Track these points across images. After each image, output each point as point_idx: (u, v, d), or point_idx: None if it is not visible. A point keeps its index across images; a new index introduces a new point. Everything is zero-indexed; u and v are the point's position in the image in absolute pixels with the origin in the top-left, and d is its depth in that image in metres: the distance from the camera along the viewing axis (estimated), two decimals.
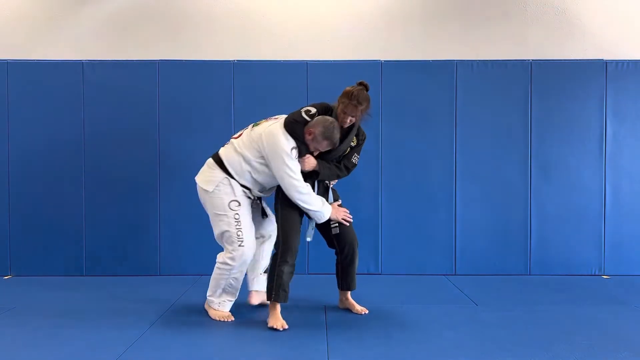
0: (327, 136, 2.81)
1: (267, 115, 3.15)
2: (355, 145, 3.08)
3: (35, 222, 4.27)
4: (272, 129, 2.88)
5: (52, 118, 4.28)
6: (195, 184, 3.09)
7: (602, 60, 4.37)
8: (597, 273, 4.33)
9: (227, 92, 4.30)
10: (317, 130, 2.81)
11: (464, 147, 4.34)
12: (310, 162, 2.90)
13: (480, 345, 2.59)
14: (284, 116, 2.97)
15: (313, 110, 2.90)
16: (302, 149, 2.87)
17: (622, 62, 4.35)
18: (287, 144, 2.83)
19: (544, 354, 2.46)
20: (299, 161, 2.88)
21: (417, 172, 4.35)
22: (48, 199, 4.27)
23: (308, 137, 2.84)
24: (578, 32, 4.48)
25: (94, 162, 4.28)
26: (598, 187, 4.34)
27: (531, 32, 4.48)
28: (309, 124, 2.84)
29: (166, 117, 4.30)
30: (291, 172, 2.82)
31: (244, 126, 3.12)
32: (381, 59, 4.35)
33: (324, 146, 2.86)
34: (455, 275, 4.31)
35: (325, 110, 2.95)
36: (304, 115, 2.87)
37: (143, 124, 4.29)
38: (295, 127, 2.86)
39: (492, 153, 4.34)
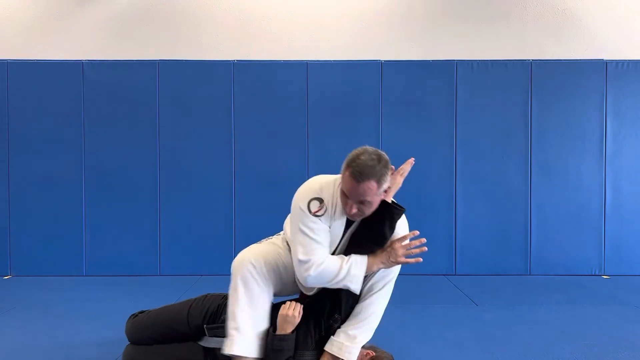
0: (348, 164, 1.82)
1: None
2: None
3: (35, 222, 4.27)
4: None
5: (52, 118, 4.28)
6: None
7: (602, 60, 4.37)
8: (597, 273, 4.33)
9: (227, 92, 4.30)
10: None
11: (464, 147, 4.34)
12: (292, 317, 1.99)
13: (480, 345, 2.59)
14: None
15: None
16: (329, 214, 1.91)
17: (622, 62, 4.35)
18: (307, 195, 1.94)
19: (544, 354, 2.46)
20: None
21: (417, 172, 4.32)
22: (48, 199, 4.27)
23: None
24: (578, 32, 4.48)
25: (93, 162, 4.29)
26: (598, 187, 4.34)
27: (531, 32, 4.48)
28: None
29: (166, 117, 4.30)
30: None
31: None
32: (381, 59, 4.35)
33: (345, 181, 1.84)
34: (455, 275, 4.31)
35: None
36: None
37: (143, 123, 4.30)
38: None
39: (492, 153, 4.34)
